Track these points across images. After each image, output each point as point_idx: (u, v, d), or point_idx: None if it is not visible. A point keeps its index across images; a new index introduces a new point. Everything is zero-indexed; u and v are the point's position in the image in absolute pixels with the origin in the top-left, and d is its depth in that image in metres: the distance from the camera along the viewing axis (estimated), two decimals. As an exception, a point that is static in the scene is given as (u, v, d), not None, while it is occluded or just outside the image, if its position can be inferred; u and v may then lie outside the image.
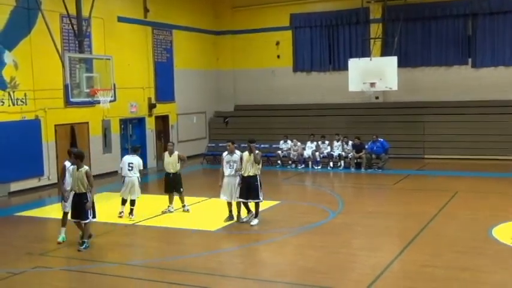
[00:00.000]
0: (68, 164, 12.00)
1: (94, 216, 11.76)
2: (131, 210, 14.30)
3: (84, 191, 11.46)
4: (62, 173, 12.10)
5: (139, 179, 14.38)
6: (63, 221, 12.09)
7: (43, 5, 18.42)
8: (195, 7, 27.18)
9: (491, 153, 23.12)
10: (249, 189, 13.20)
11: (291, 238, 12.36)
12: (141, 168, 14.41)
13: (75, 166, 11.63)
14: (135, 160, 14.36)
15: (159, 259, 11.10)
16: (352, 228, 13.17)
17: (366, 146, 22.11)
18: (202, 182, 19.49)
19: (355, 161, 22.11)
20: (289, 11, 27.65)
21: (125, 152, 23.02)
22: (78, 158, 11.61)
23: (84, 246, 11.55)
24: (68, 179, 11.85)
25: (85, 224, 11.61)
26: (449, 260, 10.40)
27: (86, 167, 11.63)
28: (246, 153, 13.36)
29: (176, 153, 14.90)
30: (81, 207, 11.48)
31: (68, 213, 11.95)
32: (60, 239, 12.00)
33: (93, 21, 20.00)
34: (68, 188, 11.86)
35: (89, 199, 11.49)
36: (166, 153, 14.88)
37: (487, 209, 14.44)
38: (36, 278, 10.33)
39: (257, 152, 13.40)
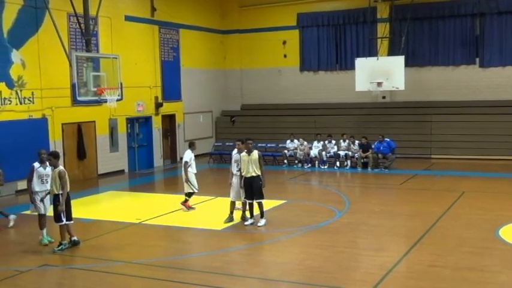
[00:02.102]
0: (36, 165, 11.97)
1: (69, 219, 11.50)
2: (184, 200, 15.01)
3: (56, 192, 11.29)
4: (30, 174, 11.97)
5: (185, 172, 14.84)
6: (40, 223, 11.93)
7: (50, 4, 18.49)
8: (202, 6, 27.20)
9: (498, 153, 23.03)
10: (252, 189, 13.13)
11: (297, 237, 12.34)
12: (185, 161, 14.87)
13: (50, 167, 11.63)
14: (184, 155, 15.15)
15: (165, 258, 11.11)
16: (358, 228, 13.13)
17: (373, 146, 22.05)
18: (209, 181, 19.46)
19: (362, 160, 22.06)
20: (296, 10, 27.61)
21: (131, 150, 23.14)
22: (56, 158, 11.46)
23: (59, 248, 11.40)
24: (36, 180, 11.85)
25: (60, 226, 11.42)
26: (456, 260, 10.36)
27: (60, 167, 11.41)
28: (243, 154, 13.24)
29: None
30: (55, 209, 11.34)
31: (44, 215, 11.91)
32: (45, 241, 11.88)
33: (100, 20, 20.06)
34: (36, 189, 11.85)
35: (60, 201, 11.25)
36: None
37: (494, 209, 14.37)
38: (42, 276, 10.37)
39: (256, 151, 13.33)
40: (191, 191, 14.98)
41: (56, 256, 11.26)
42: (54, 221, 11.47)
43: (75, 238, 11.66)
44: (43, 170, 11.96)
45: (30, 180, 12.01)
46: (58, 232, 11.63)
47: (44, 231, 11.94)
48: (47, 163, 12.03)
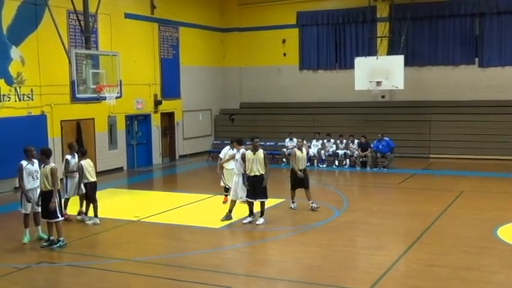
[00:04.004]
0: (24, 163, 11.82)
1: (62, 215, 11.62)
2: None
3: (49, 188, 11.29)
4: (20, 173, 11.83)
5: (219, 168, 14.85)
6: (26, 222, 11.93)
7: (50, 0, 18.44)
8: (201, 4, 27.18)
9: (497, 153, 23.04)
10: (254, 188, 13.12)
11: (296, 236, 12.36)
12: (219, 156, 14.92)
13: (37, 163, 11.66)
14: None
15: (163, 256, 11.12)
16: (357, 227, 13.14)
17: (372, 145, 22.06)
18: (208, 179, 19.50)
19: (361, 159, 22.07)
20: (296, 9, 27.60)
21: (130, 148, 23.12)
22: (45, 155, 11.46)
23: (58, 245, 11.41)
24: (26, 179, 11.74)
25: (55, 223, 11.45)
26: (454, 259, 10.38)
27: (52, 164, 11.46)
28: (249, 152, 13.22)
29: (305, 149, 15.38)
30: (48, 206, 11.32)
31: (28, 214, 11.89)
32: (25, 240, 11.90)
33: (100, 18, 20.05)
34: (28, 187, 11.77)
35: (53, 198, 11.26)
36: (297, 150, 14.85)
37: (492, 209, 14.38)
38: (41, 273, 10.38)
39: (261, 150, 13.29)
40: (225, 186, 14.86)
41: (54, 253, 11.26)
42: (47, 218, 11.47)
43: (53, 238, 11.61)
44: (31, 167, 11.84)
45: (21, 179, 11.81)
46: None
47: (27, 230, 11.94)
48: (33, 160, 11.91)
